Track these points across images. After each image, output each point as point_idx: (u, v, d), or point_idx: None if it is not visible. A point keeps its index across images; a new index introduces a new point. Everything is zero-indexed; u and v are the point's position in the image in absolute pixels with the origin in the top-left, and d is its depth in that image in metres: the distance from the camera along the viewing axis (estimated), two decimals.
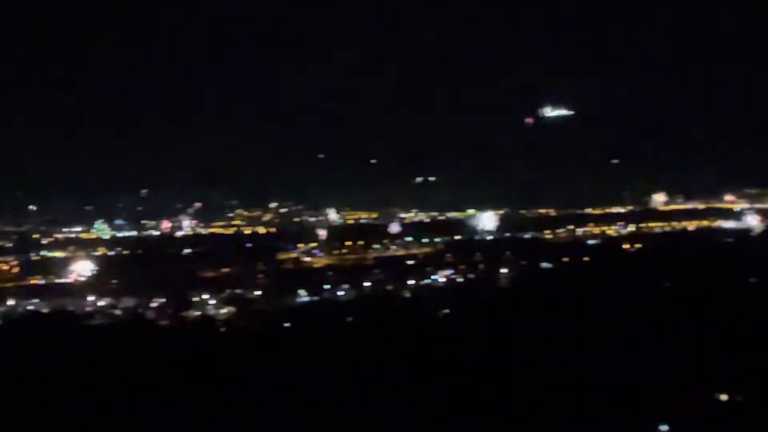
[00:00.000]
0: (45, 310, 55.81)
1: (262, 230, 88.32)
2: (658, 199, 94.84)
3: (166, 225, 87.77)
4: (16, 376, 26.83)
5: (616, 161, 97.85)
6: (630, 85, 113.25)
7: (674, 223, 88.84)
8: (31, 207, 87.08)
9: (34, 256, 75.49)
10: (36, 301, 60.43)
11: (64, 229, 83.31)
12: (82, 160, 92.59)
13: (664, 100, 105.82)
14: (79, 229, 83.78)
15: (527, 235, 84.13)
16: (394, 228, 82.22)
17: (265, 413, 23.48)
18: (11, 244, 78.46)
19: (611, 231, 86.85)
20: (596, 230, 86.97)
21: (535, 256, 70.04)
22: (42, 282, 68.05)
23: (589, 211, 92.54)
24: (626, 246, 77.30)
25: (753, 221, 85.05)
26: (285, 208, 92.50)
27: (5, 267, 71.19)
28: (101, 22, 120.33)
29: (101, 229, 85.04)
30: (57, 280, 68.18)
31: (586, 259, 68.92)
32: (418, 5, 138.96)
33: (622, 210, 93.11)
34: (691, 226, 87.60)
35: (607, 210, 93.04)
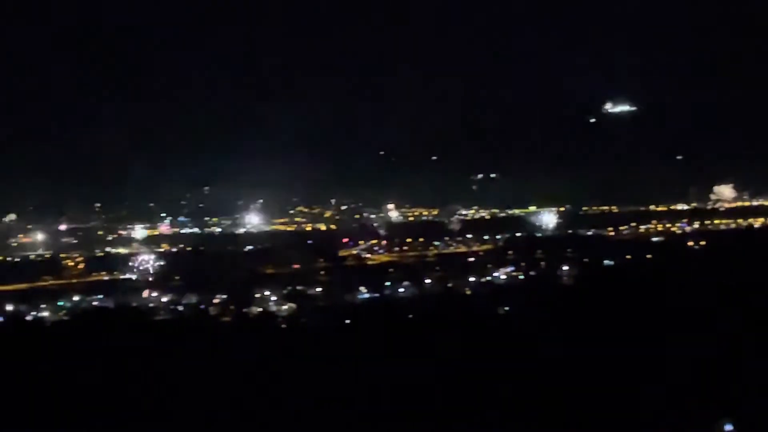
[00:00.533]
0: (109, 306, 55.06)
1: (322, 227, 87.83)
2: (724, 195, 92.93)
3: (227, 222, 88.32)
4: (82, 370, 26.96)
5: (680, 157, 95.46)
6: (694, 80, 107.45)
7: (740, 221, 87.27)
8: (96, 204, 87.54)
9: (98, 253, 76.25)
10: (100, 296, 60.12)
11: (129, 226, 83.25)
12: (147, 158, 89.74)
13: (731, 94, 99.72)
14: (143, 225, 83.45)
15: (589, 233, 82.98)
16: (455, 225, 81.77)
17: (325, 408, 23.20)
18: (76, 241, 79.31)
19: (675, 228, 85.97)
20: (660, 227, 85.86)
21: (597, 254, 69.14)
22: (105, 278, 68.85)
23: (653, 208, 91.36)
24: (691, 243, 75.45)
25: None
26: (345, 205, 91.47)
27: (72, 264, 71.21)
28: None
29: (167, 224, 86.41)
30: (121, 276, 68.90)
31: (649, 256, 66.99)
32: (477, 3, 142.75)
33: (686, 207, 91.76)
34: (757, 223, 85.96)
35: (672, 207, 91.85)
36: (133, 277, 68.01)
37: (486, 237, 79.80)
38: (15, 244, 79.20)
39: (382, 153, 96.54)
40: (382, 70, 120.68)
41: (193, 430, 22.95)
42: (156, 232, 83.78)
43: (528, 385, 24.45)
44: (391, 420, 22.66)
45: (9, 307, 55.95)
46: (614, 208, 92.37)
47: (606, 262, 64.85)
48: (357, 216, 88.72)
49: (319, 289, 60.96)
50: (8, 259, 74.62)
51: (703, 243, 74.37)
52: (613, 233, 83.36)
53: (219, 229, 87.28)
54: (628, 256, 67.13)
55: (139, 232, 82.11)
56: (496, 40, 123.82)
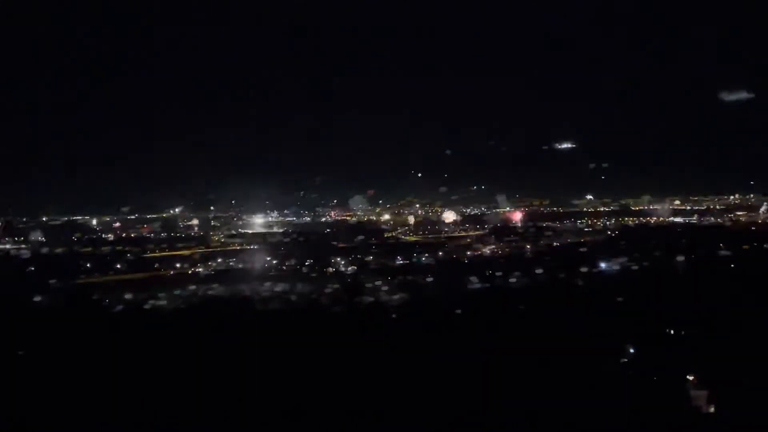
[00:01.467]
0: (240, 266, 65.49)
1: (374, 218, 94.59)
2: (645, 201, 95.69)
3: (336, 213, 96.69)
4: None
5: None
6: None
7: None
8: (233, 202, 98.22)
9: (233, 232, 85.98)
10: (234, 259, 68.40)
11: (253, 216, 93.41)
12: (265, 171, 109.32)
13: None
14: (261, 215, 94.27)
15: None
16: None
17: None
18: (220, 225, 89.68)
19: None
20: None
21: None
22: (237, 248, 75.35)
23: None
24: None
25: None
26: (388, 204, 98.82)
27: (216, 238, 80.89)
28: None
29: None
30: (247, 247, 75.99)
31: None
32: None
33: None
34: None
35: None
36: (248, 267, 70.22)
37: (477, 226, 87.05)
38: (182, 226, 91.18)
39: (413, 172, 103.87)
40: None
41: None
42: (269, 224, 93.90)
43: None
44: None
45: (177, 265, 67.17)
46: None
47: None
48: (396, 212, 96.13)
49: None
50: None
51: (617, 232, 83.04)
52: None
53: (329, 219, 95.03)
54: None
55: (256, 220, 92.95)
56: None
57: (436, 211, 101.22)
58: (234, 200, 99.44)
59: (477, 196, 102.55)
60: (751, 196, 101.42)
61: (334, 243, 78.25)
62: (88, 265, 66.08)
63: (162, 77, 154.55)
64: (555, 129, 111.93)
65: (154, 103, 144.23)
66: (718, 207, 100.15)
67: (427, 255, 72.80)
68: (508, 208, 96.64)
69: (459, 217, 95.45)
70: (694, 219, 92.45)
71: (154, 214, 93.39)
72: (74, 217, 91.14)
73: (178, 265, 68.57)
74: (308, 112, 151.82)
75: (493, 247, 77.65)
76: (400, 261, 71.20)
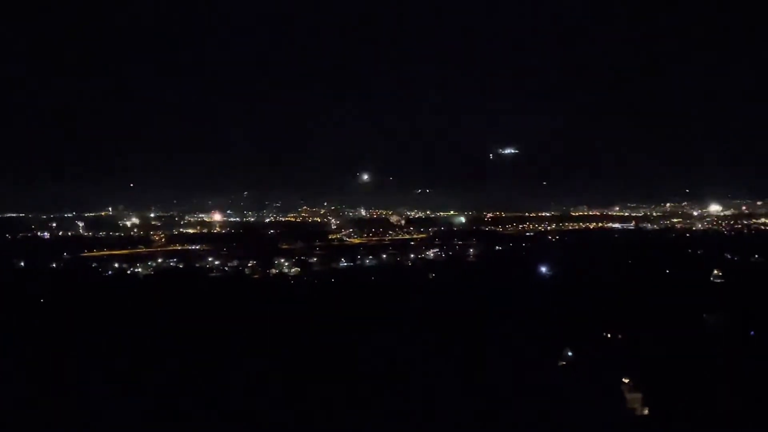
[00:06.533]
0: (180, 266, 72.15)
1: (318, 220, 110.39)
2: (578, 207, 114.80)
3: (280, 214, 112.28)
4: (162, 305, 41.65)
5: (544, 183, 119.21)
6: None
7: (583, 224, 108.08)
8: (174, 201, 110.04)
9: (174, 232, 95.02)
10: (174, 260, 75.62)
11: (195, 215, 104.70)
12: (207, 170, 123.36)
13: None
14: (203, 215, 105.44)
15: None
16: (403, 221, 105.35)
17: (321, 334, 32.00)
18: (160, 224, 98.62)
19: (541, 227, 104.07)
20: (531, 227, 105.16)
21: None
22: (179, 248, 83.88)
23: (527, 214, 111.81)
24: (549, 237, 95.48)
25: None
26: (333, 206, 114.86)
27: (157, 238, 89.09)
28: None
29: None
30: (188, 247, 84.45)
31: (523, 244, 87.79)
32: None
33: (548, 214, 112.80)
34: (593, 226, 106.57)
35: (539, 214, 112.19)
36: (197, 248, 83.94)
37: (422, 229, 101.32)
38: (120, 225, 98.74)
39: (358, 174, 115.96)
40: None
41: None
42: (211, 220, 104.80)
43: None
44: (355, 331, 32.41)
45: (116, 265, 71.09)
46: (503, 214, 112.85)
47: (497, 247, 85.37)
48: (341, 213, 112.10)
49: (315, 260, 75.40)
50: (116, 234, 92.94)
51: (557, 237, 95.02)
52: (501, 229, 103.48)
53: (252, 219, 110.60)
54: (511, 243, 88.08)
55: (201, 219, 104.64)
56: None
57: (382, 214, 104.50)
58: (175, 200, 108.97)
59: (423, 199, 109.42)
60: (686, 204, 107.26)
61: (278, 244, 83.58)
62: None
63: (97, 75, 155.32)
64: (500, 137, 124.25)
65: (96, 101, 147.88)
66: (655, 214, 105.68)
67: (371, 257, 76.33)
68: (452, 212, 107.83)
69: (404, 220, 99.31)
70: (632, 225, 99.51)
71: (91, 212, 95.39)
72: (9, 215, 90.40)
73: (116, 265, 70.48)
74: (258, 113, 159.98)
75: (437, 250, 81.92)
76: (344, 263, 73.74)
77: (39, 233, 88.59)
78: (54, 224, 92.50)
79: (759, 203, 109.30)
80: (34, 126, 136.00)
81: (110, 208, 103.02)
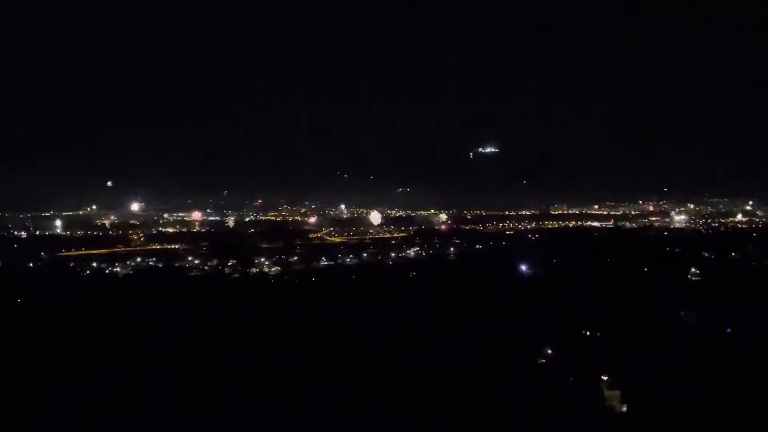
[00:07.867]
0: (159, 265, 71.22)
1: (299, 219, 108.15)
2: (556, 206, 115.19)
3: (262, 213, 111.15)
4: (142, 305, 40.95)
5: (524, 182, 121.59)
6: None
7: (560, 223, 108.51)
8: (153, 200, 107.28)
9: (153, 231, 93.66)
10: (154, 259, 74.51)
11: (174, 215, 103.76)
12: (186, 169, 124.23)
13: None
14: (182, 214, 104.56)
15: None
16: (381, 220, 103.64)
17: (300, 333, 31.54)
18: (139, 223, 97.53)
19: (521, 226, 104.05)
20: (510, 225, 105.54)
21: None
22: (158, 247, 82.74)
23: (506, 212, 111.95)
24: (529, 235, 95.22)
25: None
26: (314, 204, 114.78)
27: (136, 237, 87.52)
28: None
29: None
30: (168, 246, 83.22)
31: (503, 243, 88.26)
32: None
33: (527, 213, 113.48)
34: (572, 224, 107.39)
35: (518, 212, 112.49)
36: (176, 247, 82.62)
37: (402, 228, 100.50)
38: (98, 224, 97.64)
39: (339, 173, 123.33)
40: None
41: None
42: (191, 219, 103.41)
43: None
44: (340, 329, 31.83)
45: (94, 264, 70.39)
46: (483, 212, 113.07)
47: (477, 246, 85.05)
48: (322, 212, 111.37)
49: (295, 258, 74.43)
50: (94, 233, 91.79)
51: (537, 235, 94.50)
52: (482, 228, 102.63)
53: (232, 218, 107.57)
54: (491, 242, 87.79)
55: (180, 218, 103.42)
56: None
57: (363, 213, 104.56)
58: (155, 199, 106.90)
59: (403, 198, 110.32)
60: (664, 203, 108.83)
61: (259, 243, 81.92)
62: None
63: (76, 76, 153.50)
64: (481, 135, 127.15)
65: (73, 98, 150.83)
66: (633, 212, 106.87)
67: (352, 256, 75.55)
68: (432, 210, 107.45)
69: (385, 219, 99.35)
70: (611, 224, 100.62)
71: (69, 211, 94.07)
72: None
73: (94, 265, 69.77)
74: (238, 111, 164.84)
75: (417, 248, 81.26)
76: (324, 262, 73.03)
77: (16, 232, 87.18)
78: (30, 223, 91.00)
79: (736, 202, 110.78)
80: (9, 124, 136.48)
81: (88, 208, 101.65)
